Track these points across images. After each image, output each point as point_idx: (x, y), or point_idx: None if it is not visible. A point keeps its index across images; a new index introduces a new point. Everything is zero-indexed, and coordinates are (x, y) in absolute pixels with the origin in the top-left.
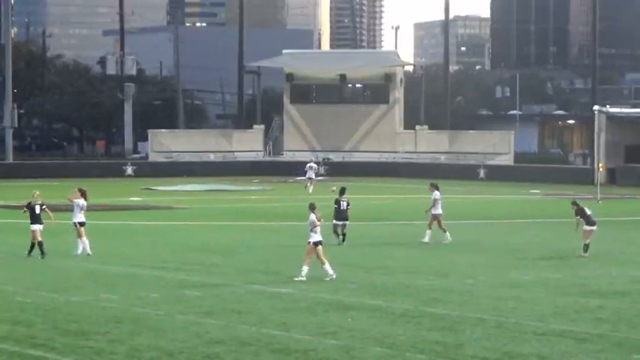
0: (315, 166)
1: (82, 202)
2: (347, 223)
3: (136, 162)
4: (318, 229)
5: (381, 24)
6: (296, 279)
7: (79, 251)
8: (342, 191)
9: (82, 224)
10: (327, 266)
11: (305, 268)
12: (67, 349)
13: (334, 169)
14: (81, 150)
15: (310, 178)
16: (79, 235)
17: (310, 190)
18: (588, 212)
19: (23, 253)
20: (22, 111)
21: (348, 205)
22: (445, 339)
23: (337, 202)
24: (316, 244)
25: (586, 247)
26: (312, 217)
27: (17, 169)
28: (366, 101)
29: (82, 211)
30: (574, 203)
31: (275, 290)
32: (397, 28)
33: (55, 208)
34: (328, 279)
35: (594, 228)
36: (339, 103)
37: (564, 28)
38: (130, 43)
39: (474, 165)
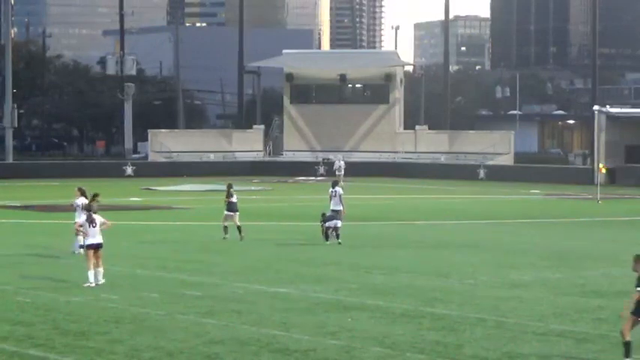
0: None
1: (82, 201)
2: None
3: (136, 162)
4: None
5: (381, 24)
6: (85, 285)
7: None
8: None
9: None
10: (101, 269)
11: (90, 273)
12: (67, 349)
13: (334, 169)
14: (81, 150)
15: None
16: (78, 234)
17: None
18: (234, 199)
19: (24, 254)
20: (22, 111)
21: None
22: (445, 339)
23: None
24: (98, 246)
25: (225, 229)
26: (101, 218)
27: (17, 169)
28: (366, 101)
29: (84, 211)
30: (229, 186)
31: (275, 290)
32: (397, 28)
33: (55, 209)
34: (93, 284)
35: (232, 214)
36: (339, 103)
37: (564, 28)
38: (130, 43)
39: (474, 165)
